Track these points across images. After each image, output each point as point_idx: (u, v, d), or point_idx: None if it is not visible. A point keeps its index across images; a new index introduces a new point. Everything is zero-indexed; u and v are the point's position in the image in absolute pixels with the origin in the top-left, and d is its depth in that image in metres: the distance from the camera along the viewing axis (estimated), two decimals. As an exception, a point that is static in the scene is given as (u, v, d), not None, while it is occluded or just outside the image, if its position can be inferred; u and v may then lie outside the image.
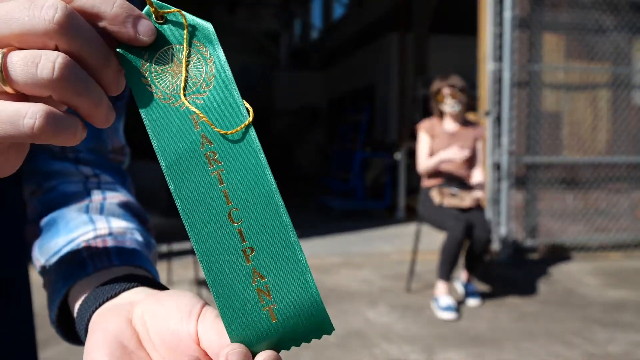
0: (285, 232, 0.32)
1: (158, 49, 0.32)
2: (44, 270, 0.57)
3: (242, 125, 0.32)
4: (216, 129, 0.31)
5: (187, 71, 0.32)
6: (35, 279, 0.65)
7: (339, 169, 8.97)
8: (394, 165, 7.81)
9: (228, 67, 0.32)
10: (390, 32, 11.07)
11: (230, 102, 0.32)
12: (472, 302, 3.45)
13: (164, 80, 0.32)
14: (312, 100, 16.25)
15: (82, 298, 0.48)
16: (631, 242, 5.16)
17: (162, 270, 4.15)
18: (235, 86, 0.32)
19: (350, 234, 6.03)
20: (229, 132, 0.31)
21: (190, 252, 3.70)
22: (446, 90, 3.47)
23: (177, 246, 4.54)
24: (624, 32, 5.10)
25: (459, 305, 3.38)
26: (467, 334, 2.94)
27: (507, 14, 4.71)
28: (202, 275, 4.00)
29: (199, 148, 0.31)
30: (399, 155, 7.38)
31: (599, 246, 5.09)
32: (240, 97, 0.32)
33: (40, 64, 0.29)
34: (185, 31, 0.32)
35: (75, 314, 0.49)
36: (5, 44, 0.30)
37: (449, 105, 3.49)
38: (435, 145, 3.55)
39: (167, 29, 0.32)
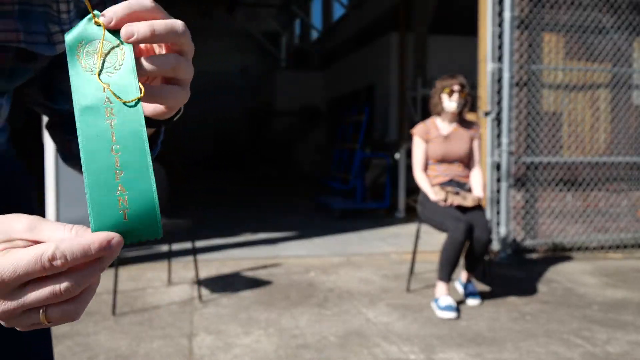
0: (146, 168, 0.46)
1: (92, 39, 0.49)
2: None
3: (135, 98, 0.47)
4: (115, 96, 0.47)
5: (104, 58, 0.48)
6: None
7: (339, 169, 8.97)
8: (394, 165, 7.81)
9: (134, 60, 0.48)
10: (390, 32, 11.08)
11: (130, 82, 0.48)
12: (472, 302, 3.45)
13: (89, 58, 0.48)
14: (312, 100, 16.25)
15: None
16: (631, 242, 5.16)
17: (162, 270, 4.16)
18: (136, 73, 0.48)
19: (350, 234, 6.04)
20: (125, 100, 0.47)
21: (191, 252, 3.70)
22: (456, 87, 3.48)
23: (177, 246, 4.55)
24: (624, 33, 5.11)
25: (459, 305, 3.38)
26: (467, 333, 2.94)
27: (507, 14, 4.71)
28: (202, 275, 4.00)
29: (102, 103, 0.47)
30: (398, 155, 7.39)
31: (599, 246, 5.09)
32: (137, 80, 0.48)
33: None
34: (103, 34, 0.48)
35: None
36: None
37: (455, 102, 3.49)
38: (431, 149, 3.56)
39: (100, 29, 0.49)
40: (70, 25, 0.68)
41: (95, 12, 0.49)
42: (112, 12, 0.48)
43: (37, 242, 0.45)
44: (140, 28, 0.48)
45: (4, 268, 0.43)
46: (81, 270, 0.45)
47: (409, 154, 6.96)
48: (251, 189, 12.04)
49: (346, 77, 14.07)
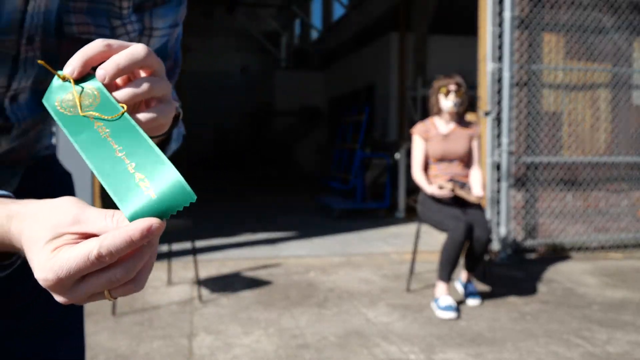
0: (153, 152, 0.50)
1: (66, 92, 0.55)
2: None
3: (119, 113, 0.53)
4: (101, 116, 0.53)
5: (80, 99, 0.54)
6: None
7: (339, 169, 8.97)
8: (394, 165, 7.81)
9: (107, 91, 0.54)
10: (390, 32, 11.07)
11: (111, 106, 0.53)
12: (472, 302, 3.45)
13: (67, 103, 0.54)
14: (312, 100, 16.24)
15: None
16: (631, 242, 5.16)
17: (162, 270, 4.16)
18: (113, 99, 0.54)
19: (350, 234, 6.04)
20: (110, 117, 0.53)
21: (191, 252, 3.70)
22: (452, 87, 3.49)
23: (177, 246, 4.55)
24: (624, 33, 5.10)
25: (459, 305, 3.38)
26: (466, 333, 2.94)
27: (507, 14, 4.71)
28: (202, 275, 4.00)
29: (93, 126, 0.53)
30: (398, 155, 7.38)
31: (599, 246, 5.09)
32: (117, 103, 0.54)
33: None
34: (72, 85, 0.55)
35: None
36: None
37: (452, 101, 3.49)
38: (430, 148, 3.56)
39: (68, 83, 0.55)
40: (130, 19, 0.77)
41: (58, 72, 0.56)
42: (71, 66, 0.55)
43: (84, 234, 0.49)
44: (107, 68, 0.54)
45: (58, 268, 0.47)
46: (132, 257, 0.48)
47: (409, 154, 6.96)
48: (251, 189, 12.04)
49: (346, 77, 14.07)
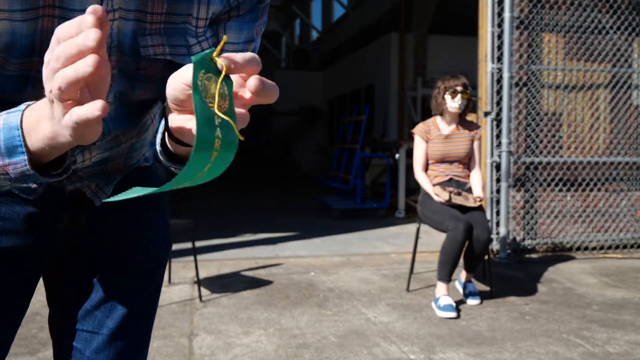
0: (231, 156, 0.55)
1: (209, 71, 0.55)
2: None
3: (241, 135, 0.56)
4: (236, 130, 0.55)
5: (219, 91, 0.54)
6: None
7: (339, 169, 8.97)
8: (394, 165, 7.81)
9: (234, 106, 0.56)
10: (390, 32, 11.07)
11: (231, 120, 0.55)
12: (472, 301, 3.46)
13: (208, 88, 0.54)
14: (312, 100, 16.24)
15: None
16: (630, 242, 5.17)
17: (162, 270, 4.16)
18: (235, 116, 0.55)
19: (350, 234, 6.04)
20: (230, 139, 0.55)
21: (191, 252, 3.71)
22: (460, 88, 3.49)
23: (177, 246, 4.55)
24: (624, 33, 5.11)
25: (459, 305, 3.39)
26: (466, 333, 2.95)
27: (507, 15, 4.72)
28: (202, 275, 4.01)
29: (213, 122, 0.53)
30: (398, 155, 7.39)
31: (599, 246, 5.09)
32: (235, 120, 0.55)
33: None
34: (222, 75, 0.55)
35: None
36: None
37: (457, 103, 3.49)
38: (431, 149, 3.57)
39: (213, 68, 0.55)
40: (205, 36, 0.79)
41: (221, 58, 0.55)
42: (234, 62, 0.55)
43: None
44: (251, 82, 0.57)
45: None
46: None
47: (409, 154, 6.96)
48: (251, 188, 12.04)
49: (346, 77, 14.07)
